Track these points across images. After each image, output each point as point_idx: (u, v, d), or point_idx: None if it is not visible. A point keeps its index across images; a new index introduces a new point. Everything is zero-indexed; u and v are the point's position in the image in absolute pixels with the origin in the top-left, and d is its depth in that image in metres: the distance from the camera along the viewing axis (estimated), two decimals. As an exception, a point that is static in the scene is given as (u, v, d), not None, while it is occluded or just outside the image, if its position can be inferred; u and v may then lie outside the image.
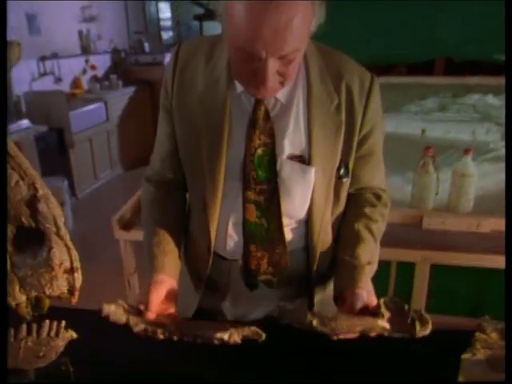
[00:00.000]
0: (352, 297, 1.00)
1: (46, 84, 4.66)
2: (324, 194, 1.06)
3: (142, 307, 0.97)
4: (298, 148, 1.03)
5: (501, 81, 3.23)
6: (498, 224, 1.65)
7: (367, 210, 1.13)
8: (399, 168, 2.08)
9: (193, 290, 1.22)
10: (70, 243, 0.81)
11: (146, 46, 6.28)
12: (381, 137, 1.10)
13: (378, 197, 1.15)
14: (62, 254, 0.80)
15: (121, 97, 5.32)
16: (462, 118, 2.67)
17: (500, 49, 3.28)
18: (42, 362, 0.90)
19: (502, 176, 2.02)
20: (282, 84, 0.93)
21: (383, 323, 0.91)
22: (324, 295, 1.20)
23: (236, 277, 1.17)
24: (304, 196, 1.06)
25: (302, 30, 0.85)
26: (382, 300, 0.95)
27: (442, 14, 3.20)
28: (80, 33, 5.24)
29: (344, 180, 1.08)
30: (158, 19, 7.01)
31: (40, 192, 0.79)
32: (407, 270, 1.75)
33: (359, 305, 0.98)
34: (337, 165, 1.05)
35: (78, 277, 0.83)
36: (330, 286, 1.16)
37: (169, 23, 7.34)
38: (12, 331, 0.93)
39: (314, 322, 0.90)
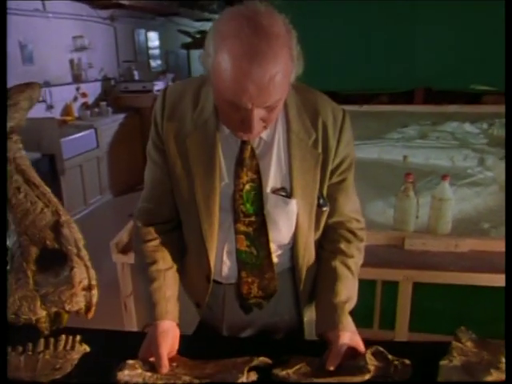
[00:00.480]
0: (336, 339, 1.06)
1: (38, 111, 4.75)
2: (307, 222, 1.15)
3: (152, 360, 1.03)
4: (280, 182, 1.12)
5: (477, 109, 3.41)
6: (476, 244, 1.76)
7: (343, 246, 1.20)
8: (382, 193, 2.20)
9: (193, 310, 1.28)
10: (88, 263, 0.90)
11: (136, 74, 6.42)
12: (352, 165, 1.19)
13: (354, 233, 1.22)
14: (82, 272, 0.89)
15: (111, 124, 5.42)
16: (442, 145, 2.81)
17: (475, 79, 3.47)
18: (58, 373, 0.98)
19: (479, 200, 2.16)
20: (265, 127, 1.03)
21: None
22: (312, 313, 1.27)
23: (230, 300, 1.25)
24: (289, 225, 1.15)
25: (284, 83, 0.94)
26: (368, 352, 1.01)
27: (420, 47, 3.38)
28: (71, 62, 5.36)
29: (324, 209, 1.17)
30: (147, 48, 7.18)
31: (63, 218, 0.88)
32: (392, 288, 1.85)
33: (344, 346, 1.05)
34: (317, 195, 1.14)
35: (95, 293, 0.92)
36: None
37: (157, 52, 7.52)
38: (30, 346, 1.01)
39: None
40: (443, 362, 0.99)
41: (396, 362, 1.00)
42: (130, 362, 1.00)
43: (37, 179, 0.91)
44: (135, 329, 2.07)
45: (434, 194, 1.82)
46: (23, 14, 4.47)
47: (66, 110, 5.27)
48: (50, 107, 4.96)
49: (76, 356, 1.01)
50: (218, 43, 0.93)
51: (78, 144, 4.78)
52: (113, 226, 4.81)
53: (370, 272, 1.71)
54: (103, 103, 5.63)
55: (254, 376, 0.99)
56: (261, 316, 1.27)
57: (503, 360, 0.97)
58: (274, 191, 1.12)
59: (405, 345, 1.30)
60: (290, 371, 1.00)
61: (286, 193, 1.12)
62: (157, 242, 1.20)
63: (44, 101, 4.86)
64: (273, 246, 1.17)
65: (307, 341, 1.29)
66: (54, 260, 0.91)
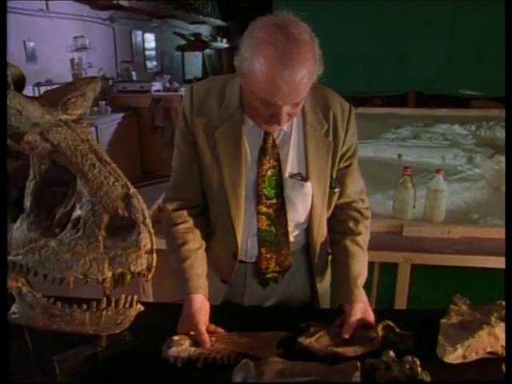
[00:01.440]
0: (350, 310, 1.24)
1: (40, 109, 4.85)
2: (320, 202, 1.33)
3: (192, 333, 1.19)
4: (297, 167, 1.30)
5: (465, 113, 3.64)
6: (466, 231, 1.96)
7: (351, 225, 1.38)
8: (380, 187, 2.38)
9: (220, 284, 1.44)
10: (151, 230, 1.06)
11: (134, 74, 6.55)
12: (356, 152, 1.38)
13: (360, 212, 1.40)
14: (146, 237, 1.04)
15: (110, 122, 5.54)
16: (433, 145, 3.00)
17: (464, 84, 3.69)
18: (118, 328, 1.13)
19: (469, 193, 2.36)
20: (289, 120, 1.21)
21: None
22: (323, 285, 1.48)
23: (250, 276, 1.42)
24: (305, 205, 1.33)
25: (309, 83, 1.12)
26: (380, 325, 1.19)
27: (413, 54, 3.59)
28: (72, 61, 5.48)
29: (335, 190, 1.35)
30: (144, 49, 7.32)
31: (131, 190, 1.04)
32: (389, 271, 2.03)
33: (358, 315, 1.23)
34: (329, 178, 1.33)
35: (155, 257, 1.08)
36: (327, 278, 1.47)
37: (153, 53, 7.66)
38: (94, 303, 1.17)
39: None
40: (443, 321, 1.18)
41: (401, 333, 1.18)
42: (176, 338, 1.16)
43: (108, 158, 1.06)
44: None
45: (429, 186, 2.01)
46: (28, 13, 4.60)
47: (67, 108, 5.37)
48: (51, 105, 5.07)
49: (134, 313, 1.15)
50: (253, 49, 1.09)
51: (80, 141, 4.88)
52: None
53: (372, 255, 1.88)
54: (102, 102, 5.75)
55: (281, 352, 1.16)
56: (277, 289, 1.44)
57: (493, 318, 1.16)
58: (292, 176, 1.30)
59: (408, 311, 1.49)
60: (312, 339, 1.17)
61: (302, 177, 1.30)
62: (186, 225, 1.34)
63: (46, 99, 4.97)
64: (290, 225, 1.34)
65: (321, 309, 1.48)
66: (123, 227, 1.06)
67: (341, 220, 1.41)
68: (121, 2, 5.66)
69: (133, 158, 6.08)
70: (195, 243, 1.34)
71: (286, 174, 1.30)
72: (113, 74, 6.40)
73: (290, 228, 1.35)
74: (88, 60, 5.75)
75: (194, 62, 9.70)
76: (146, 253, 1.08)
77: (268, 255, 1.37)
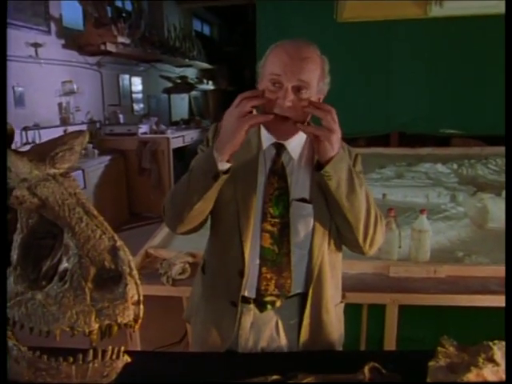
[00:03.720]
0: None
1: (27, 153, 4.86)
2: (322, 228, 1.37)
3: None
4: (304, 192, 1.37)
5: (447, 151, 3.73)
6: (452, 270, 1.98)
7: None
8: (366, 227, 2.41)
9: (228, 321, 1.42)
10: (138, 281, 1.07)
11: (121, 117, 6.62)
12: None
13: None
14: (133, 289, 1.05)
15: (97, 165, 5.55)
16: (417, 184, 3.07)
17: (444, 124, 3.80)
18: (105, 380, 1.12)
19: (453, 232, 2.40)
20: (295, 124, 1.28)
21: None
22: (316, 320, 1.43)
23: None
24: (307, 228, 1.37)
25: (313, 75, 1.27)
26: (366, 367, 1.16)
27: (394, 95, 3.71)
28: (60, 105, 5.54)
29: None
30: (131, 92, 7.42)
31: (118, 243, 1.06)
32: (378, 313, 2.03)
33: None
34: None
35: (142, 308, 1.08)
36: (324, 313, 1.43)
37: (140, 96, 7.76)
38: (80, 356, 1.16)
39: None
40: (431, 363, 1.18)
41: (389, 375, 1.18)
42: None
43: (94, 211, 1.08)
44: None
45: (413, 226, 2.04)
46: (17, 60, 4.67)
47: (54, 152, 5.38)
48: (38, 149, 5.08)
49: (121, 364, 1.15)
50: (270, 49, 1.32)
51: (67, 185, 4.88)
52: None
53: (359, 297, 1.91)
54: (89, 145, 5.78)
55: None
56: (272, 318, 1.43)
57: (480, 360, 1.17)
58: (298, 200, 1.37)
59: (397, 353, 1.49)
60: None
61: (307, 201, 1.37)
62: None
63: (34, 143, 5.00)
64: (292, 248, 1.37)
65: (312, 353, 1.45)
66: (110, 279, 1.07)
67: None
68: (108, 48, 5.77)
69: (120, 200, 6.07)
70: None
71: (294, 197, 1.37)
72: (100, 117, 6.46)
73: (292, 249, 1.37)
74: (76, 104, 5.81)
75: (181, 104, 9.83)
76: (132, 304, 1.08)
77: (268, 275, 1.38)
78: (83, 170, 5.19)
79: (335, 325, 1.47)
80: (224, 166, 1.28)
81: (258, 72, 1.36)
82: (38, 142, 5.06)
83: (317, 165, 1.30)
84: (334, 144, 1.23)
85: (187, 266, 2.15)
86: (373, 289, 1.91)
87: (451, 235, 2.35)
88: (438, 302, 1.85)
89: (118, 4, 6.88)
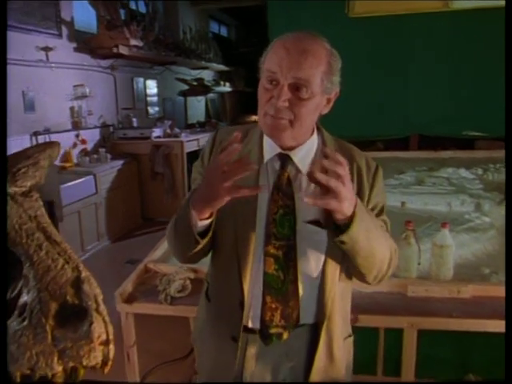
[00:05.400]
0: None
1: (38, 158, 4.78)
2: (336, 257, 1.19)
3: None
4: (315, 213, 1.18)
5: (471, 155, 3.51)
6: (477, 290, 1.79)
7: None
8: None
9: (229, 356, 1.27)
10: (106, 318, 0.92)
11: (134, 121, 6.53)
12: (383, 213, 1.26)
13: None
14: (100, 327, 0.91)
15: (109, 170, 5.47)
16: (438, 191, 2.86)
17: (467, 125, 3.58)
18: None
19: (478, 245, 2.19)
20: (292, 124, 1.11)
21: None
22: (327, 357, 1.26)
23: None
24: (317, 257, 1.20)
25: (315, 71, 1.09)
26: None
27: (414, 95, 3.51)
28: (72, 109, 5.46)
29: None
30: (145, 95, 7.33)
31: (83, 274, 0.91)
32: (395, 335, 1.86)
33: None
34: None
35: (112, 348, 0.93)
36: (335, 349, 1.26)
37: (155, 99, 7.67)
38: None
39: None
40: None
41: None
42: None
43: (58, 236, 0.94)
44: (138, 379, 2.05)
45: (434, 241, 1.85)
46: (27, 64, 4.60)
47: (66, 157, 5.33)
48: (49, 154, 5.00)
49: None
50: (272, 43, 1.15)
51: (77, 190, 4.81)
52: (110, 272, 4.81)
53: (373, 320, 1.73)
54: (102, 150, 5.70)
55: None
56: (279, 354, 1.27)
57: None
58: (309, 222, 1.18)
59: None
60: None
61: (319, 224, 1.18)
62: None
63: (44, 148, 4.91)
64: (300, 275, 1.20)
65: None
66: (73, 315, 0.93)
67: None
68: (121, 51, 5.68)
69: (133, 205, 5.98)
70: None
71: (304, 219, 1.18)
72: (113, 120, 6.37)
73: (300, 277, 1.20)
74: (88, 108, 5.73)
75: (197, 106, 9.73)
76: (100, 344, 0.93)
77: (273, 305, 1.22)
78: (95, 175, 5.11)
79: (344, 361, 1.30)
80: (203, 224, 1.13)
81: (259, 69, 1.18)
82: (48, 146, 4.98)
83: (328, 222, 1.12)
84: (347, 211, 1.03)
85: (188, 282, 2.00)
86: (388, 311, 1.73)
87: (476, 249, 2.15)
88: (461, 327, 1.66)
89: (132, 6, 6.80)
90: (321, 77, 1.10)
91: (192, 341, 1.51)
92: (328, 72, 1.11)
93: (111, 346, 0.94)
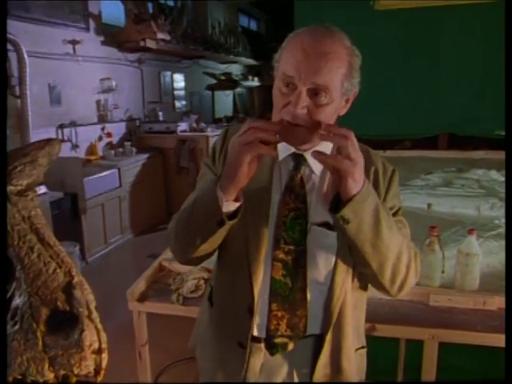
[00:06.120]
0: None
1: (63, 150, 4.83)
2: (347, 261, 1.13)
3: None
4: (326, 215, 1.10)
5: (503, 156, 3.35)
6: (504, 303, 1.68)
7: None
8: (406, 243, 2.13)
9: (235, 363, 1.22)
10: (99, 326, 0.87)
11: (160, 114, 6.53)
12: (398, 214, 1.18)
13: None
14: (92, 335, 0.86)
15: (134, 163, 5.49)
16: (467, 193, 2.73)
17: (500, 125, 3.42)
18: None
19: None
20: (311, 133, 1.03)
21: None
22: (334, 369, 1.20)
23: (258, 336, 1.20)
24: (327, 261, 1.13)
25: (334, 75, 1.01)
26: None
27: (444, 93, 3.37)
28: (98, 102, 5.49)
29: None
30: (173, 89, 7.33)
31: (75, 279, 0.86)
32: (416, 345, 1.77)
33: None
34: None
35: (105, 357, 0.88)
36: (344, 361, 1.19)
37: (182, 93, 7.67)
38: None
39: None
40: None
41: None
42: None
43: (52, 238, 0.89)
44: (149, 379, 2.01)
45: (460, 248, 1.75)
46: (55, 58, 4.63)
47: (91, 150, 5.37)
48: (75, 146, 5.05)
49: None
50: (287, 39, 1.07)
51: (101, 183, 4.84)
52: (132, 266, 4.83)
53: (394, 330, 1.65)
54: (127, 143, 5.72)
55: None
56: (284, 365, 1.21)
57: None
58: (319, 224, 1.12)
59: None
60: None
61: (329, 227, 1.11)
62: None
63: (69, 140, 4.96)
64: (309, 282, 1.14)
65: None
66: (65, 322, 0.88)
67: None
68: (148, 45, 5.67)
69: (157, 199, 5.99)
70: None
71: (314, 221, 1.12)
72: (140, 114, 6.39)
73: (309, 284, 1.14)
74: (114, 101, 5.75)
75: (225, 100, 9.69)
76: (92, 353, 0.89)
77: (279, 313, 1.16)
78: (119, 169, 5.13)
79: (355, 374, 1.23)
80: (230, 207, 1.04)
81: (274, 67, 1.11)
82: (74, 139, 5.03)
83: (334, 202, 1.02)
84: (358, 178, 0.97)
85: (202, 282, 1.95)
86: (409, 320, 1.64)
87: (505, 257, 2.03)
88: (485, 342, 1.56)
89: (161, 0, 6.79)
90: (341, 80, 1.03)
91: (190, 347, 1.46)
92: (348, 74, 1.04)
93: (104, 355, 0.90)
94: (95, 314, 0.88)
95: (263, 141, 0.97)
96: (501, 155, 3.33)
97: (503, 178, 2.94)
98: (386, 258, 1.04)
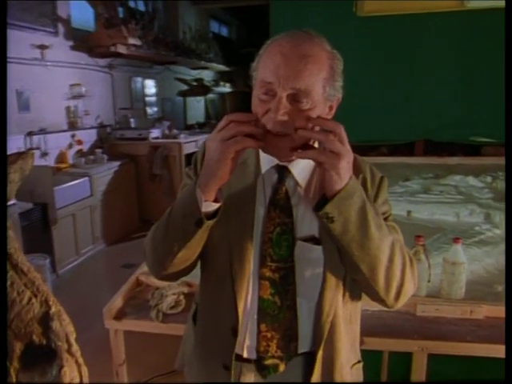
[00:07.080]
0: None
1: (32, 159, 4.66)
2: (336, 275, 1.08)
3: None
4: (313, 230, 1.07)
5: (478, 161, 3.38)
6: (491, 311, 1.67)
7: None
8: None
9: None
10: (80, 360, 0.80)
11: (132, 121, 6.41)
12: (388, 219, 1.13)
13: None
14: (72, 371, 0.79)
15: (106, 171, 5.34)
16: (446, 200, 2.73)
17: (475, 131, 3.46)
18: None
19: (490, 260, 2.07)
20: (292, 150, 0.98)
21: None
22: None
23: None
24: (317, 276, 1.08)
25: (315, 80, 0.96)
26: None
27: (420, 99, 3.38)
28: (68, 109, 5.33)
29: None
30: (144, 95, 7.20)
31: (53, 309, 0.78)
32: (403, 356, 1.74)
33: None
34: None
35: (87, 392, 0.81)
36: (337, 378, 1.14)
37: (154, 99, 7.55)
38: None
39: None
40: None
41: None
42: None
43: (26, 264, 0.81)
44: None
45: (446, 257, 1.73)
46: (22, 62, 4.47)
47: (61, 158, 5.20)
48: (44, 154, 4.88)
49: None
50: (265, 46, 1.03)
51: (72, 193, 4.68)
52: (105, 277, 4.69)
53: (379, 342, 1.61)
54: (99, 150, 5.58)
55: None
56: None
57: None
58: (304, 239, 1.07)
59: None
60: None
61: (317, 242, 1.06)
62: None
63: (39, 148, 4.79)
64: (299, 300, 1.08)
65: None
66: (42, 357, 0.81)
67: None
68: (119, 50, 5.56)
69: (130, 208, 5.86)
70: None
71: (301, 236, 1.07)
72: (111, 121, 6.25)
73: (298, 302, 1.09)
74: (85, 107, 5.60)
75: (197, 107, 9.60)
76: (73, 389, 0.81)
77: (268, 334, 1.10)
78: (90, 177, 4.98)
79: None
80: (209, 207, 0.99)
81: (251, 76, 1.05)
82: (43, 147, 4.87)
83: (321, 201, 0.98)
84: (343, 173, 0.93)
85: (181, 297, 1.88)
86: (397, 332, 1.61)
87: (488, 264, 2.02)
88: (476, 353, 1.54)
89: (131, 4, 6.67)
90: (322, 84, 0.98)
91: (177, 367, 1.39)
92: (330, 78, 0.99)
93: (86, 390, 0.82)
94: (76, 347, 0.81)
95: (246, 134, 0.94)
96: (476, 161, 3.37)
97: (481, 184, 2.97)
98: (378, 260, 0.99)
